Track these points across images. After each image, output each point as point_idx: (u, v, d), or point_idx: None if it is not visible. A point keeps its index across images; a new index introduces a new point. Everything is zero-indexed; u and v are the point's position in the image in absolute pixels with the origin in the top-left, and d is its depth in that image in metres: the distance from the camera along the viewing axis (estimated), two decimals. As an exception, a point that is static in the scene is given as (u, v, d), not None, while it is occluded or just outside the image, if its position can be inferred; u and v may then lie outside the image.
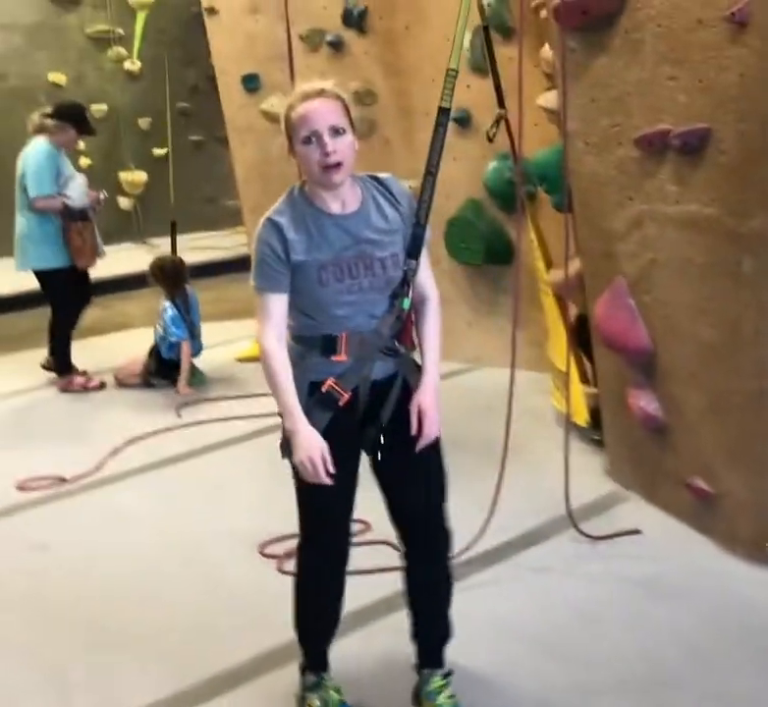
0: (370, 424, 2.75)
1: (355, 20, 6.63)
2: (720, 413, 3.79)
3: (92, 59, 13.50)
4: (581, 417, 4.87)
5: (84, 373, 6.94)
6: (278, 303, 2.65)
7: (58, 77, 13.12)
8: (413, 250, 2.70)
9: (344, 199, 2.64)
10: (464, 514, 3.14)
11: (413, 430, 2.70)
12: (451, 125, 6.25)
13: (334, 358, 2.65)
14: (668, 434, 4.07)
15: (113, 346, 8.05)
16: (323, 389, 2.66)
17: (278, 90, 6.79)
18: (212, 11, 7.38)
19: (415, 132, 6.44)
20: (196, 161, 13.16)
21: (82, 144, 10.47)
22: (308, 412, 2.64)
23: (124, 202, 13.74)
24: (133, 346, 7.34)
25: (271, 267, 2.62)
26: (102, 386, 6.83)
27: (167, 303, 6.75)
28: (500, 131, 4.70)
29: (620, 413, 4.41)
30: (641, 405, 4.13)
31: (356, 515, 2.92)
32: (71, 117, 6.66)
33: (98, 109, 13.04)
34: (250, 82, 7.30)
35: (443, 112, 2.97)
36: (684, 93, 3.56)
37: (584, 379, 4.97)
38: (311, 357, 2.68)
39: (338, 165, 2.54)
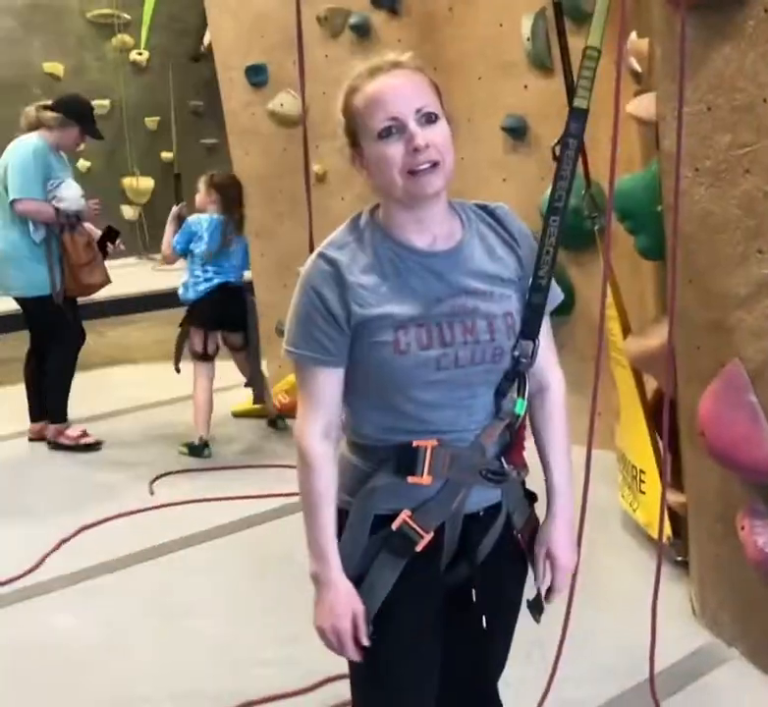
0: (457, 563, 2.30)
1: None
2: None
3: (94, 47, 13.82)
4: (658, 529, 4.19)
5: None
6: (329, 382, 2.16)
7: (54, 67, 13.35)
8: (531, 327, 2.18)
9: (435, 231, 2.16)
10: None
11: (540, 580, 2.34)
12: (501, 136, 6.21)
13: (412, 480, 2.15)
14: None
15: (101, 385, 7.69)
16: (394, 526, 2.16)
17: (290, 87, 6.44)
18: (212, -16, 6.99)
19: (456, 142, 5.83)
20: (210, 168, 13.21)
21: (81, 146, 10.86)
22: (369, 559, 2.18)
23: (128, 212, 14.03)
24: (128, 386, 7.04)
25: (319, 327, 2.12)
26: (97, 446, 6.40)
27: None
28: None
29: (723, 545, 3.77)
30: (759, 542, 3.47)
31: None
32: (76, 113, 6.27)
33: (100, 105, 13.27)
34: (256, 75, 6.86)
35: (576, 116, 2.30)
36: None
37: (669, 480, 4.25)
38: (378, 478, 2.19)
39: (434, 166, 2.05)
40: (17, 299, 6.29)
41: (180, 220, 6.40)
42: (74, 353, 6.44)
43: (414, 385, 2.13)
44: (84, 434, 6.38)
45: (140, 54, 13.59)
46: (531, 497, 2.36)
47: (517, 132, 5.73)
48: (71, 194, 6.15)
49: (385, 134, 2.05)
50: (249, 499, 5.33)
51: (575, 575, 3.33)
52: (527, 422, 2.31)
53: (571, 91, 4.13)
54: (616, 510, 4.96)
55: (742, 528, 3.51)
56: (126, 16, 13.42)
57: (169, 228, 6.43)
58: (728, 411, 3.45)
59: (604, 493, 4.90)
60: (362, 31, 6.29)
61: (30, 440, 6.46)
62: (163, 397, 7.32)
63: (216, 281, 6.22)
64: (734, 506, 3.60)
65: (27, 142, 6.07)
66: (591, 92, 2.20)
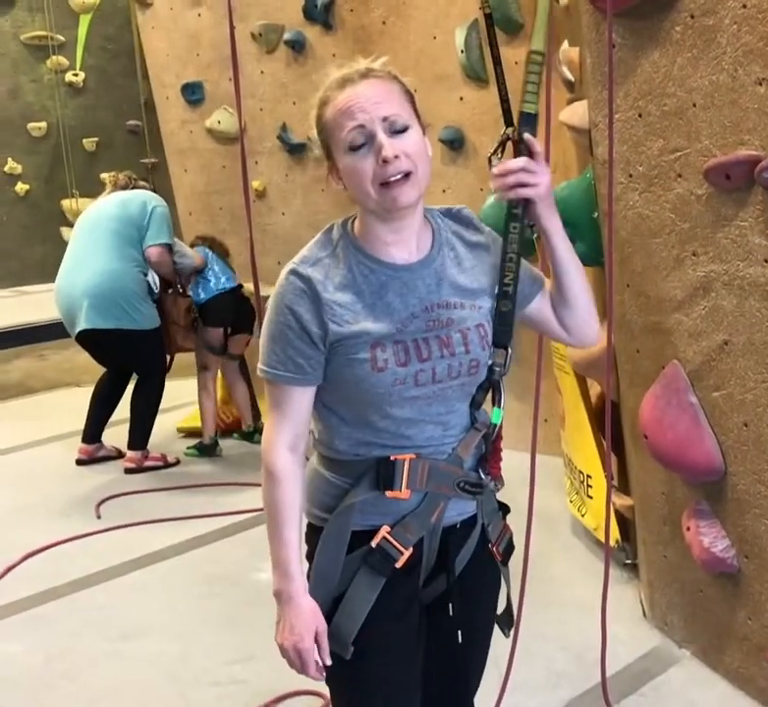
0: (434, 577, 2.24)
1: (319, 12, 6.18)
2: None
3: (29, 69, 13.75)
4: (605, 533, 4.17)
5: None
6: (302, 399, 2.10)
7: (-12, 90, 13.44)
8: (502, 335, 2.12)
9: (412, 243, 2.11)
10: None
11: (511, 592, 2.37)
12: (439, 147, 6.19)
13: (390, 495, 2.09)
14: (744, 585, 3.44)
15: (46, 409, 7.61)
16: (374, 542, 2.10)
17: (227, 104, 6.52)
18: (144, 3, 6.96)
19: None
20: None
21: (18, 167, 10.46)
22: (347, 578, 2.11)
23: (67, 233, 13.83)
24: (72, 410, 6.79)
25: (293, 346, 2.05)
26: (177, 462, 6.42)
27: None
28: (506, 156, 3.93)
29: (670, 546, 3.78)
30: (705, 542, 3.47)
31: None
32: None
33: (36, 127, 13.30)
34: (192, 93, 6.90)
35: (525, 121, 2.15)
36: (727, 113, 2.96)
37: (615, 484, 4.34)
38: (355, 493, 2.12)
39: (406, 176, 1.98)
40: (114, 333, 6.00)
41: None
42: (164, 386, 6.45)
43: (392, 401, 2.07)
44: (164, 455, 6.37)
45: (76, 75, 13.50)
46: (504, 509, 2.32)
47: (454, 143, 5.76)
48: (189, 252, 6.15)
49: (355, 146, 1.99)
50: (197, 519, 5.29)
51: (524, 582, 3.35)
52: (502, 433, 2.22)
53: (505, 101, 4.11)
54: (564, 515, 4.95)
55: (688, 529, 3.51)
56: (60, 37, 13.29)
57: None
58: (669, 413, 3.45)
59: (552, 498, 4.94)
60: (297, 47, 6.29)
61: (79, 462, 6.37)
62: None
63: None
64: (679, 507, 3.61)
65: (157, 196, 6.09)
66: (538, 96, 2.14)
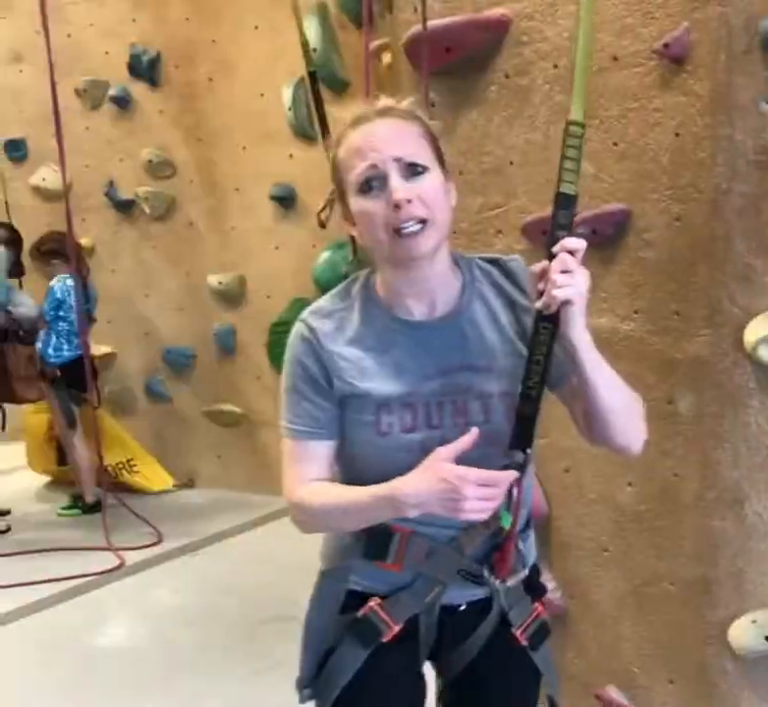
0: (449, 655, 2.08)
1: (144, 69, 6.20)
2: (645, 605, 3.20)
3: None
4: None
5: None
6: (320, 455, 1.93)
7: None
8: (520, 437, 1.86)
9: (434, 295, 1.91)
10: None
11: (550, 686, 2.13)
12: (270, 204, 6.27)
13: (380, 566, 1.96)
14: (569, 626, 3.48)
15: None
16: (361, 613, 1.97)
17: (51, 161, 6.38)
18: (-39, 60, 6.85)
19: (225, 212, 6.12)
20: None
21: None
22: (338, 636, 2.00)
23: None
24: None
25: (307, 398, 1.91)
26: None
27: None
28: (335, 213, 3.98)
29: None
30: None
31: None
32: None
33: None
34: (15, 149, 6.85)
35: (563, 203, 1.86)
36: (591, 161, 3.00)
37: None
38: (350, 554, 1.99)
39: (421, 223, 1.78)
40: None
41: None
42: None
43: (396, 469, 1.84)
44: None
45: None
46: (536, 590, 2.09)
47: (285, 200, 5.82)
48: (29, 301, 5.97)
49: (366, 188, 1.82)
50: (28, 586, 5.12)
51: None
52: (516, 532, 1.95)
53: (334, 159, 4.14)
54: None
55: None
56: None
57: None
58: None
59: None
60: (123, 103, 6.29)
61: None
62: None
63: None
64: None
65: None
66: (578, 175, 1.84)
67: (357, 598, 1.99)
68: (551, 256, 1.75)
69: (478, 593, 2.01)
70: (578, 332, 1.74)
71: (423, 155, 1.82)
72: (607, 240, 2.98)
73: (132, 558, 5.46)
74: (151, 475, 6.68)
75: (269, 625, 4.56)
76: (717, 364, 2.81)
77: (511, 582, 1.97)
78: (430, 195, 1.79)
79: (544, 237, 3.10)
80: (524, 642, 2.03)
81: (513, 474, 1.75)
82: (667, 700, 3.17)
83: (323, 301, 1.96)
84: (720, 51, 2.64)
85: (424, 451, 1.80)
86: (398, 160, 1.79)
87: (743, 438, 2.82)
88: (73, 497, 6.41)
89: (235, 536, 6.04)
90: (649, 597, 3.17)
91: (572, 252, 1.74)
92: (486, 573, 1.93)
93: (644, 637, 3.21)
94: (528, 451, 1.85)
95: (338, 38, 5.32)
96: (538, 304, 1.74)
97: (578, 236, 1.73)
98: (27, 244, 6.63)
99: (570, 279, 1.71)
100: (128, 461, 6.61)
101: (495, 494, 1.72)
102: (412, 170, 1.79)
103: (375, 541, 1.93)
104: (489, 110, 3.26)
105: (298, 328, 1.93)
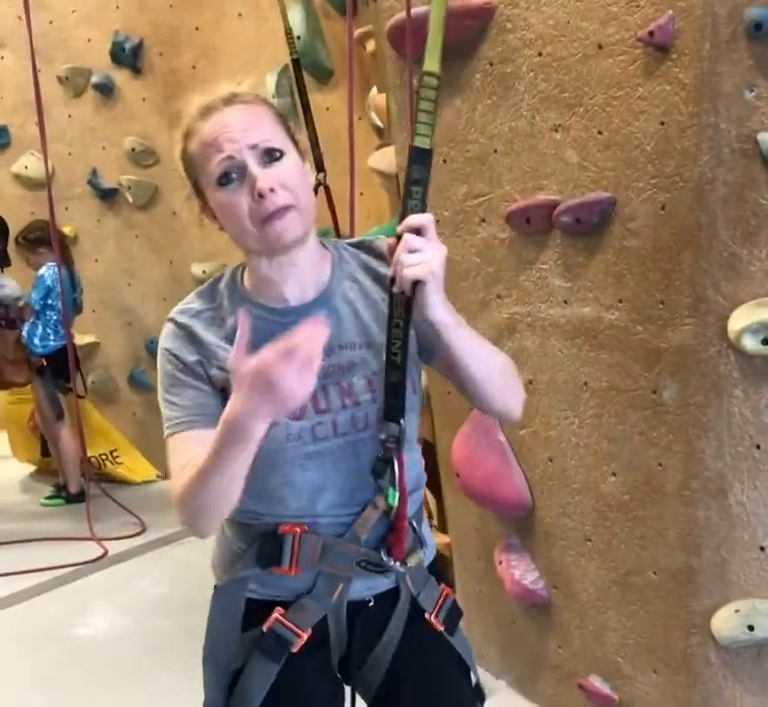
0: (362, 657, 2.00)
1: (127, 56, 6.16)
2: (629, 594, 3.21)
3: None
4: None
5: None
6: (208, 439, 1.69)
7: None
8: (392, 408, 1.78)
9: (306, 278, 1.86)
10: None
11: (474, 669, 2.05)
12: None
13: (277, 571, 1.88)
14: (553, 615, 3.51)
15: None
16: (266, 627, 1.88)
17: (34, 149, 6.33)
18: (-60, 46, 6.79)
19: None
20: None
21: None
22: (243, 653, 1.91)
23: None
24: None
25: (189, 386, 1.82)
26: None
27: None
28: (318, 201, 3.96)
29: (484, 581, 3.83)
30: (515, 575, 3.55)
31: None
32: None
33: None
34: None
35: (418, 157, 1.76)
36: (576, 150, 3.00)
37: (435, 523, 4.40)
38: (244, 565, 1.92)
39: (285, 209, 1.74)
40: None
41: None
42: None
43: (287, 459, 1.83)
44: None
45: None
46: (439, 572, 2.07)
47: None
48: (11, 282, 5.95)
49: (225, 180, 1.76)
50: (15, 575, 5.08)
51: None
52: (407, 512, 1.90)
53: (316, 146, 4.18)
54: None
55: (500, 563, 3.58)
56: None
57: None
58: (479, 451, 3.50)
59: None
60: (105, 90, 6.24)
61: None
62: None
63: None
64: (492, 542, 3.66)
65: None
66: (433, 128, 1.76)
67: (259, 607, 1.93)
68: (403, 216, 1.70)
69: (384, 583, 1.98)
70: (439, 311, 1.67)
71: (278, 139, 1.78)
72: (591, 228, 2.97)
73: (115, 548, 5.44)
74: (135, 466, 6.65)
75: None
76: (701, 354, 2.80)
77: (412, 562, 1.93)
78: (292, 180, 1.76)
79: (527, 225, 3.15)
80: (440, 627, 1.99)
81: (312, 337, 1.55)
82: (650, 690, 3.18)
83: (190, 303, 1.90)
84: (705, 39, 2.61)
85: (315, 437, 1.81)
86: (254, 147, 1.74)
87: (727, 428, 2.81)
88: (56, 487, 6.37)
89: (218, 527, 6.01)
90: (633, 587, 3.17)
91: (418, 230, 1.67)
92: (384, 557, 1.88)
93: (628, 627, 3.22)
94: (402, 421, 1.78)
95: (322, 26, 5.28)
96: (395, 289, 1.69)
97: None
98: (15, 233, 6.61)
99: (418, 257, 1.65)
100: (111, 452, 6.58)
101: (306, 360, 1.54)
102: (270, 155, 1.76)
103: (267, 546, 1.88)
104: (473, 98, 3.26)
105: (168, 328, 1.87)
